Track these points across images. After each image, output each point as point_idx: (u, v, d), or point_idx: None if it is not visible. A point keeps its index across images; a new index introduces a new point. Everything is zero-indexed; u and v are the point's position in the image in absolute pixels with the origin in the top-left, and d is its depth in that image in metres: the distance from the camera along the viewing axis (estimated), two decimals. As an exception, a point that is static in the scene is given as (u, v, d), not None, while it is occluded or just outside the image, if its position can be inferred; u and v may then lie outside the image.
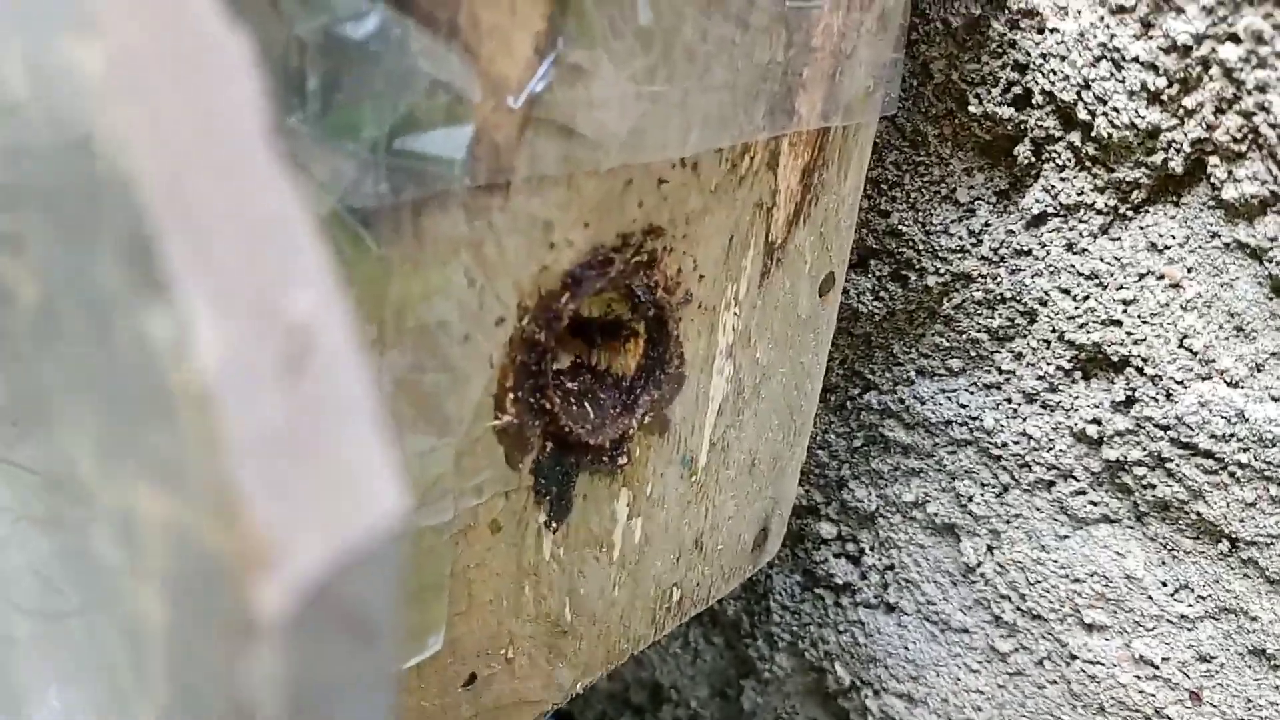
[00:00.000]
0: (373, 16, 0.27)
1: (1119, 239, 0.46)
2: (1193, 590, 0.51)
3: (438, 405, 0.34)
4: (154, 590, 0.15)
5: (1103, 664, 0.56)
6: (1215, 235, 0.44)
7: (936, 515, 0.59)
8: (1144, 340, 0.46)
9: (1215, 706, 0.53)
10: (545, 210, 0.34)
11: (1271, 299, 0.43)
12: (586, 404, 0.41)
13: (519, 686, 0.44)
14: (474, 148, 0.30)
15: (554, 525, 0.42)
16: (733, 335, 0.45)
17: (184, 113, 0.13)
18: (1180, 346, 0.46)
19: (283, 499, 0.12)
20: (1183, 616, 0.52)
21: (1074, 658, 0.57)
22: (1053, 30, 0.43)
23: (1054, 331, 0.49)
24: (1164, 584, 0.52)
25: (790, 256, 0.46)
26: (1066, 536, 0.54)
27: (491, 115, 0.30)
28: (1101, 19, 0.42)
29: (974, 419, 0.55)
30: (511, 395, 0.36)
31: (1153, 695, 0.55)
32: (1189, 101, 0.41)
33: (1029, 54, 0.44)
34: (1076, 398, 0.50)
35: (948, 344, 0.54)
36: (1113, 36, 0.41)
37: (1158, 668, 0.54)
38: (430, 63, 0.28)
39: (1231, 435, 0.45)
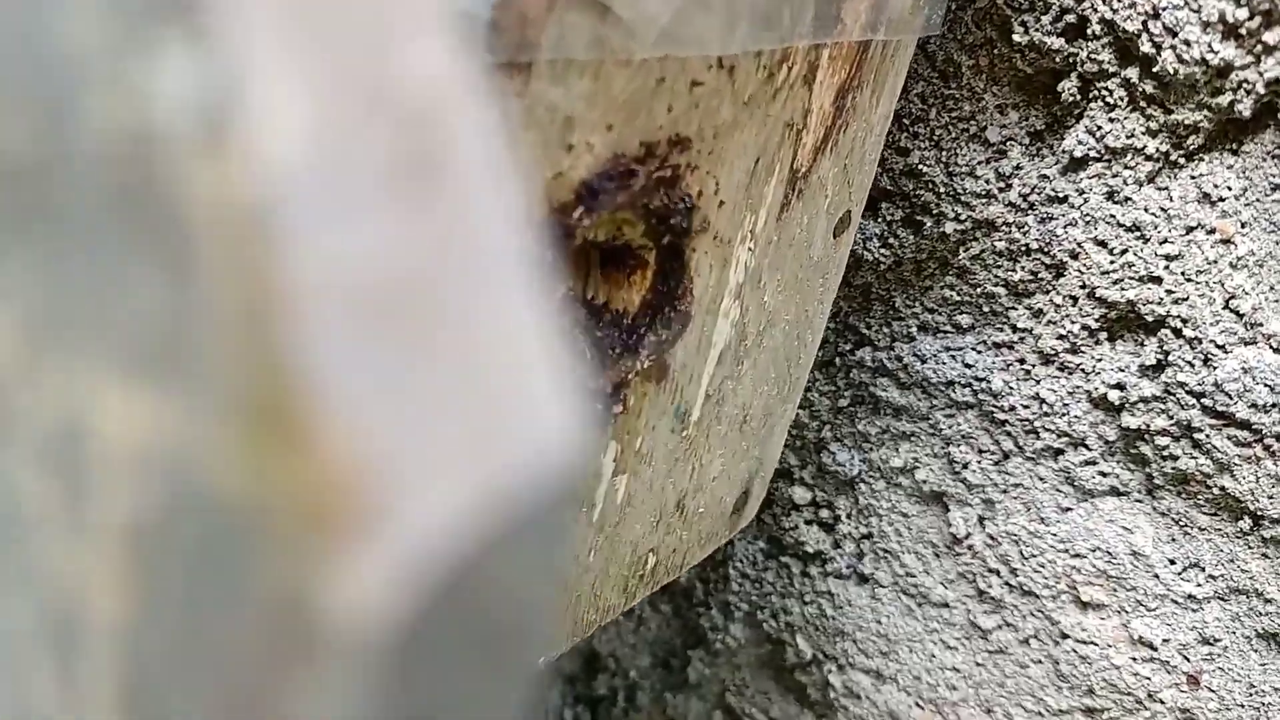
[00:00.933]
0: None
1: (1167, 188, 0.42)
2: (1203, 569, 0.48)
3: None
4: (107, 560, 0.09)
5: (1096, 644, 0.53)
6: (1277, 188, 0.40)
7: (925, 482, 0.55)
8: (1185, 299, 0.43)
9: (1214, 691, 0.50)
10: (568, 103, 0.28)
11: (1330, 261, 0.40)
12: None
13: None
14: (498, 11, 0.24)
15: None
16: (744, 273, 0.40)
17: None
18: (1226, 308, 0.42)
19: (390, 399, 0.07)
20: (1189, 596, 0.49)
21: (1065, 636, 0.54)
22: (1119, -52, 0.39)
23: (1083, 287, 0.45)
24: (1172, 561, 0.49)
25: (812, 188, 0.41)
26: (1069, 509, 0.51)
27: (519, -24, 0.24)
28: (1175, -62, 0.37)
29: (979, 380, 0.51)
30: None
31: (1148, 678, 0.52)
32: (1270, 37, 0.37)
33: (1090, -25, 0.39)
34: (1100, 360, 0.46)
35: (958, 298, 0.50)
36: (1194, -44, 0.37)
37: (1156, 649, 0.51)
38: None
39: (1274, 405, 0.42)
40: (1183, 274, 0.42)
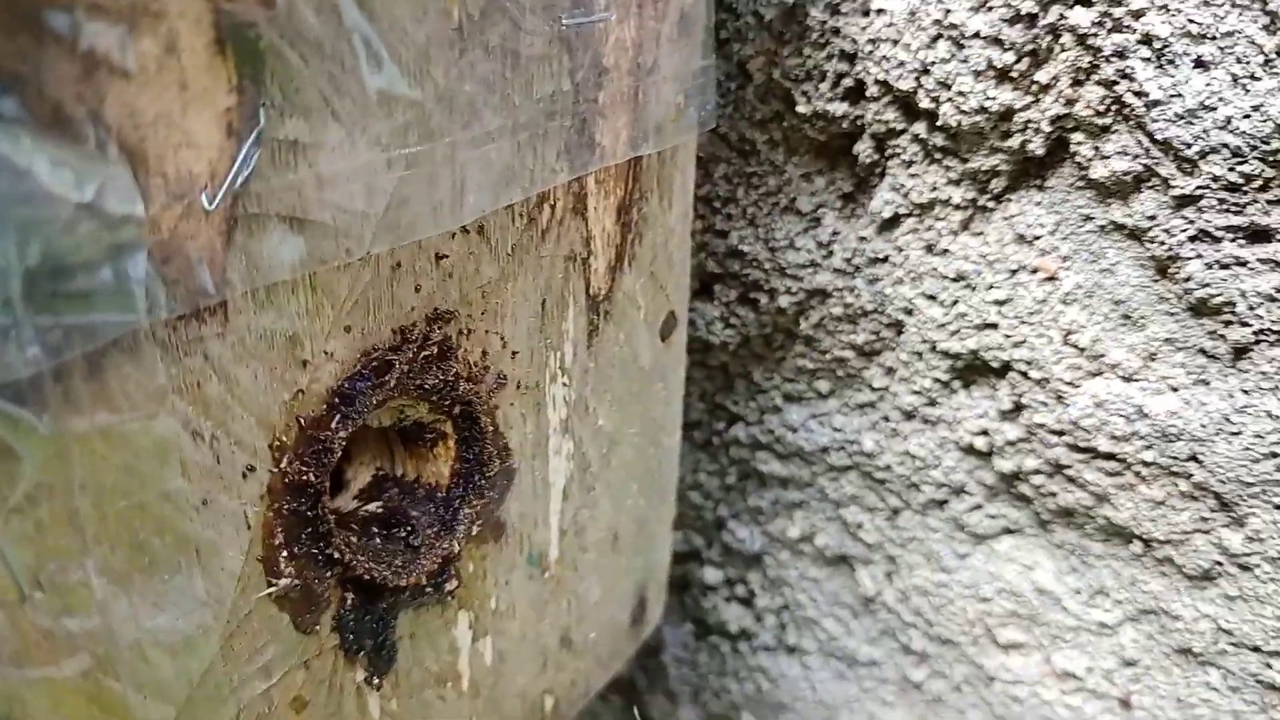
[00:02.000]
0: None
1: (983, 234, 0.41)
2: (1109, 595, 0.47)
3: (182, 593, 0.26)
4: None
5: (1024, 682, 0.51)
6: (1088, 219, 0.38)
7: (826, 547, 0.54)
8: (1024, 341, 0.41)
9: (1146, 710, 0.49)
10: (285, 323, 0.26)
11: (1157, 280, 0.38)
12: (392, 535, 0.34)
13: None
14: (160, 272, 0.22)
15: (377, 681, 0.34)
16: (566, 409, 0.38)
17: None
18: (1065, 344, 0.41)
19: None
20: (1101, 624, 0.48)
21: (992, 679, 0.52)
22: (879, 11, 0.37)
23: (924, 342, 0.44)
24: (1078, 591, 0.48)
25: (619, 306, 0.39)
26: (967, 555, 0.49)
27: (180, 225, 0.23)
28: (930, -9, 0.36)
29: (851, 442, 0.49)
30: (286, 553, 0.29)
31: (1080, 708, 0.50)
32: (1042, 76, 0.36)
33: (855, 41, 0.38)
34: (959, 409, 0.45)
35: (812, 365, 0.48)
36: (948, 12, 0.35)
37: (1082, 679, 0.50)
38: (65, 180, 0.20)
39: (1133, 434, 0.40)
40: (1016, 316, 0.41)
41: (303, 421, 0.28)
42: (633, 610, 0.49)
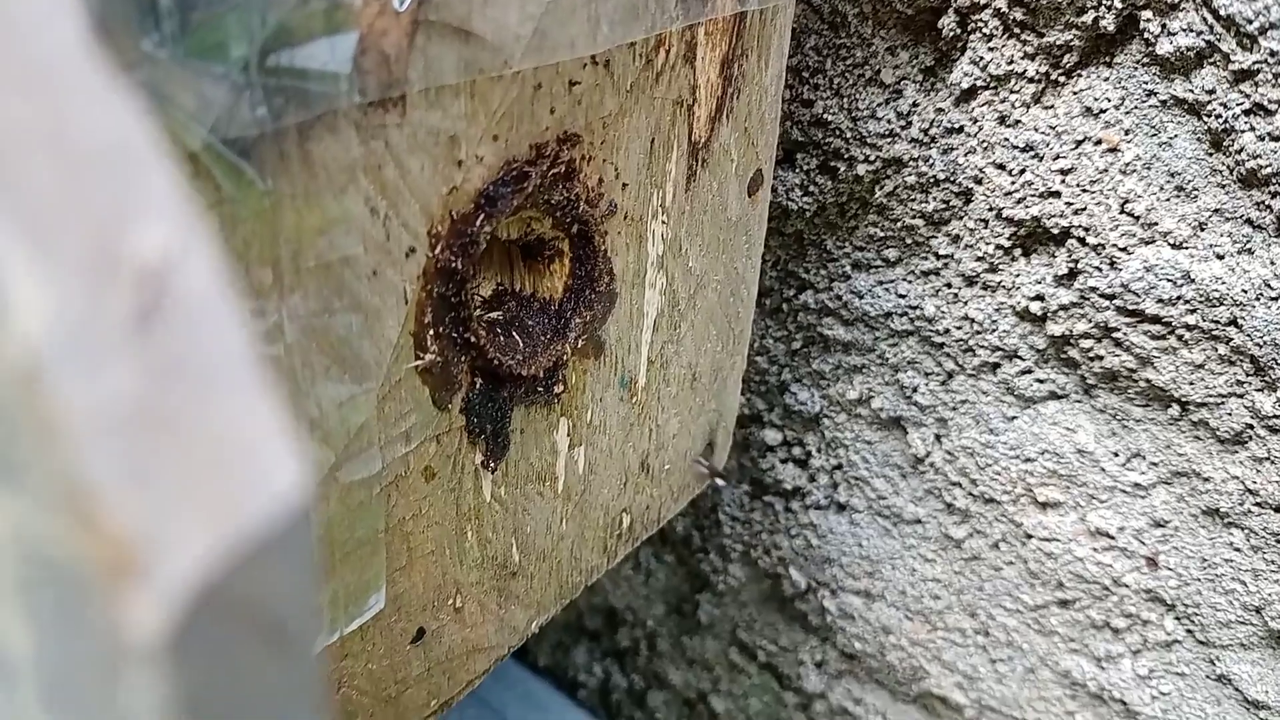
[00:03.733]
0: (224, -87, 0.23)
1: (1053, 107, 0.44)
2: (1145, 458, 0.51)
3: (351, 350, 0.31)
4: (13, 611, 0.12)
5: (1059, 540, 0.56)
6: (1151, 93, 0.42)
7: (882, 410, 0.58)
8: (1084, 209, 0.45)
9: (1171, 569, 0.53)
10: (448, 124, 0.31)
11: (1211, 154, 0.42)
12: (515, 333, 0.38)
13: (471, 635, 0.42)
14: (360, 59, 0.27)
15: (492, 465, 0.39)
16: (662, 245, 0.43)
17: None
18: (1122, 212, 0.44)
19: (145, 487, 0.09)
20: (1136, 485, 0.52)
21: (1029, 537, 0.57)
22: (971, -113, 0.40)
23: (991, 210, 0.48)
24: (1116, 454, 0.52)
25: (715, 156, 0.43)
26: (1015, 417, 0.54)
27: (377, 21, 0.27)
28: None
29: (914, 308, 0.53)
30: (432, 331, 0.34)
31: (1110, 565, 0.55)
32: (1118, -48, 0.39)
33: (947, -84, 0.41)
34: (1018, 275, 0.49)
35: (882, 234, 0.52)
36: (1036, -112, 0.39)
37: (1113, 538, 0.54)
38: (298, -37, 0.25)
39: (1178, 298, 0.44)
40: (1078, 185, 0.45)
41: (454, 215, 0.32)
42: (703, 450, 0.54)
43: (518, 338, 0.38)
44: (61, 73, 0.11)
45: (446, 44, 0.29)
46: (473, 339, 0.35)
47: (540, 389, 0.39)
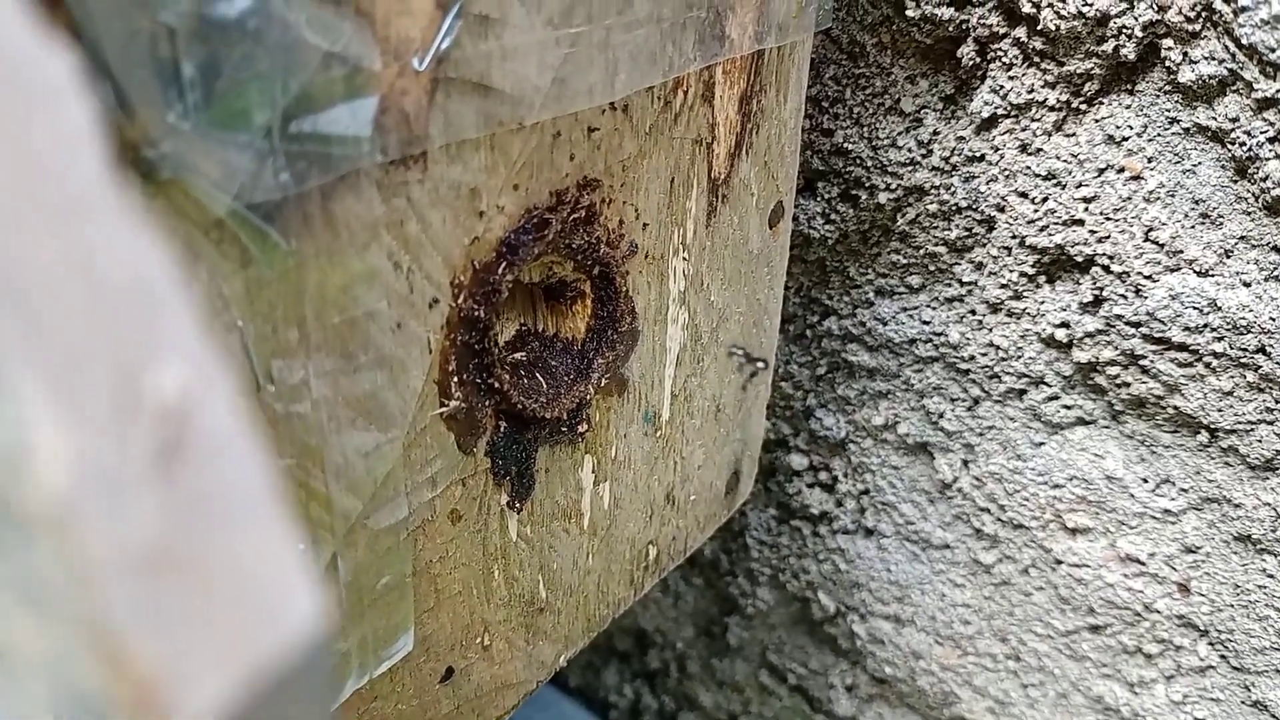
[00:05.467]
0: (245, -13, 0.23)
1: (1074, 135, 0.44)
2: (1174, 484, 0.50)
3: (377, 401, 0.31)
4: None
5: (1089, 566, 0.55)
6: (1174, 121, 0.41)
7: (908, 435, 0.58)
8: (1108, 237, 0.45)
9: (1204, 595, 0.52)
10: (469, 176, 0.31)
11: (1236, 181, 0.41)
12: (538, 374, 0.39)
13: (499, 671, 0.42)
14: (381, 120, 0.27)
15: (517, 505, 0.39)
16: (684, 281, 0.43)
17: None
18: (1146, 240, 0.44)
19: (170, 626, 0.10)
20: (1166, 511, 0.51)
21: (1059, 563, 0.56)
22: (987, -80, 0.40)
23: (1014, 237, 0.47)
24: (1145, 480, 0.51)
25: (736, 191, 0.43)
26: (1042, 443, 0.53)
27: (397, 81, 0.27)
28: (1038, -97, 0.39)
29: (938, 334, 0.53)
30: (456, 379, 0.34)
31: (1141, 591, 0.54)
32: (1137, -17, 0.39)
33: (964, -52, 0.41)
34: (1043, 302, 0.49)
35: (905, 261, 0.52)
36: (1053, -79, 0.38)
37: (1144, 564, 0.53)
38: (319, 33, 0.25)
39: (1205, 325, 0.44)
40: (1101, 213, 0.44)
41: (477, 264, 0.33)
42: (728, 480, 0.54)
43: (541, 379, 0.39)
44: (88, 210, 0.11)
45: (466, 99, 0.29)
46: (496, 384, 0.35)
47: (565, 429, 0.40)
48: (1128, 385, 0.48)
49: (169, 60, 0.23)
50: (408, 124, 0.28)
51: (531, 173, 0.33)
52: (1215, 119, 0.40)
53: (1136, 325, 0.46)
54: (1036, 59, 0.43)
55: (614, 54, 0.33)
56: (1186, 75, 0.40)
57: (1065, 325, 0.48)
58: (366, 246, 0.29)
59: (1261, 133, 0.39)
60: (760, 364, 0.51)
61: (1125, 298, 0.45)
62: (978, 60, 0.44)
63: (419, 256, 0.30)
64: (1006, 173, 0.46)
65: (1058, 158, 0.44)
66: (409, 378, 0.32)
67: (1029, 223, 0.46)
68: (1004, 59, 0.43)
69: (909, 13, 0.44)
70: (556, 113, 0.32)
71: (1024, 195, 0.46)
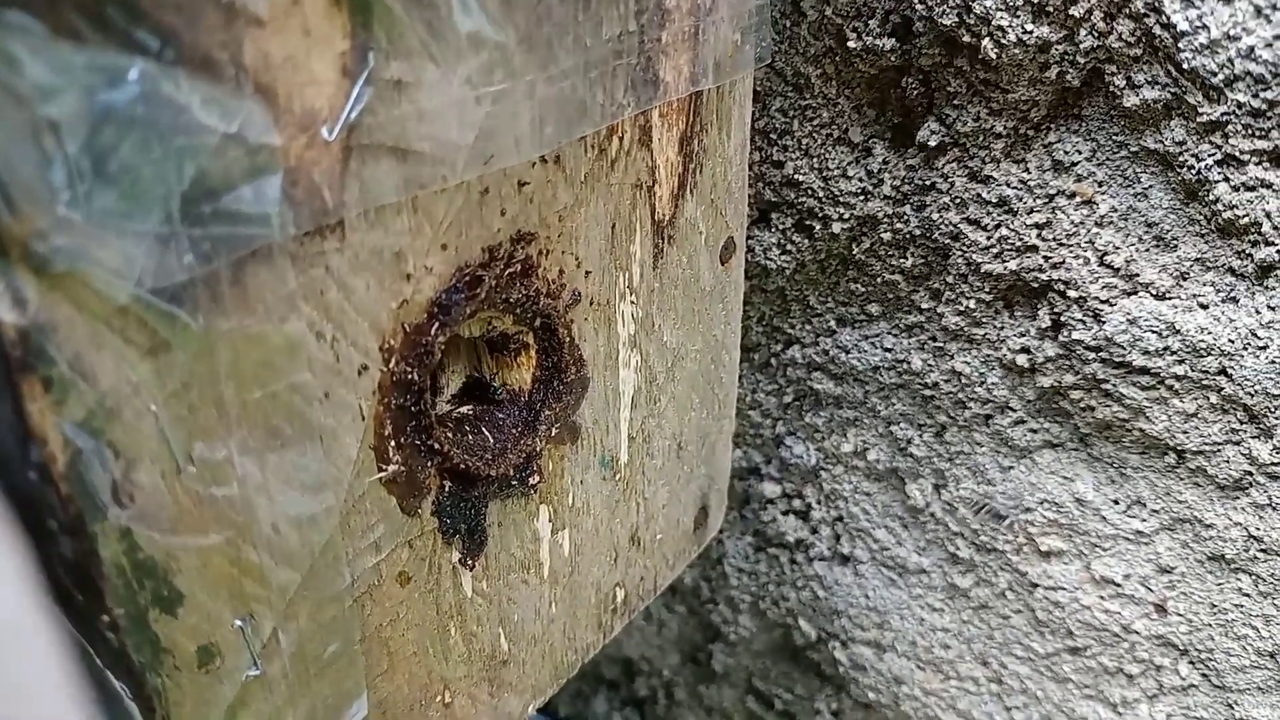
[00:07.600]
0: (133, 77, 0.23)
1: (1023, 161, 0.43)
2: (1145, 505, 0.50)
3: (309, 472, 0.31)
4: None
5: (1065, 589, 0.54)
6: (1122, 145, 0.41)
7: (878, 462, 0.57)
8: (1063, 263, 0.44)
9: (1181, 615, 0.52)
10: (392, 240, 0.30)
11: (1188, 204, 0.41)
12: (484, 429, 0.38)
13: (463, 729, 0.42)
14: (290, 192, 0.26)
15: (470, 562, 0.39)
16: (633, 325, 0.42)
17: None
18: (1101, 264, 0.43)
19: None
20: (1138, 532, 0.51)
21: (1035, 586, 0.55)
22: (924, -50, 0.40)
23: (969, 265, 0.47)
24: (1116, 502, 0.50)
25: (682, 231, 0.43)
26: (1011, 467, 0.53)
27: (305, 153, 0.27)
28: (973, -69, 0.38)
29: (901, 362, 0.52)
30: (394, 442, 0.33)
31: (1118, 613, 0.53)
32: (1076, 10, 0.38)
33: (902, -21, 0.41)
34: (1002, 329, 0.48)
35: (863, 289, 0.51)
36: (987, -49, 0.38)
37: (1120, 585, 0.53)
38: (214, 115, 0.24)
39: (1165, 349, 0.43)
40: (1055, 239, 0.44)
41: (407, 327, 0.32)
42: (695, 515, 0.54)
43: (488, 434, 0.38)
44: None
45: (383, 165, 0.29)
46: (436, 445, 0.34)
47: (515, 482, 0.39)
48: (1092, 409, 0.47)
49: (55, 152, 0.22)
50: (320, 194, 0.27)
51: (460, 231, 0.32)
52: (1163, 142, 0.40)
53: (1096, 350, 0.45)
54: (980, 87, 0.42)
55: (539, 108, 0.33)
56: (1131, 100, 0.39)
57: (1026, 351, 0.48)
58: (285, 319, 0.28)
59: (1209, 155, 0.39)
60: None
61: (1084, 323, 0.45)
62: (922, 90, 0.44)
63: (342, 324, 0.30)
64: (958, 201, 0.45)
65: (1008, 185, 0.44)
66: (342, 446, 0.31)
67: (983, 250, 0.46)
68: (948, 88, 0.43)
69: (850, 44, 0.44)
70: (482, 171, 0.32)
71: (976, 223, 0.45)
